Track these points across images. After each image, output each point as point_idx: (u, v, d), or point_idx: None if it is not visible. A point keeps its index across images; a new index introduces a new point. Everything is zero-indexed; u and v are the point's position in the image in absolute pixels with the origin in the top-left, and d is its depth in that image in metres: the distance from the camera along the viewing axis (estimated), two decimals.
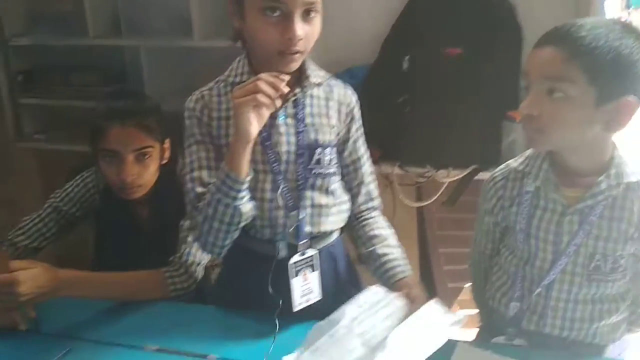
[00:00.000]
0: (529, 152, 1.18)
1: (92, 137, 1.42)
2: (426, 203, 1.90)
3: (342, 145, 1.24)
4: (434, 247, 2.22)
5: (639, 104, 0.99)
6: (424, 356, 0.99)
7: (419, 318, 1.04)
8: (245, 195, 1.10)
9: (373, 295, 1.09)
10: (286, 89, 1.05)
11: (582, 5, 1.75)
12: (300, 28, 1.04)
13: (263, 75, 1.03)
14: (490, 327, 1.23)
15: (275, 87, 1.03)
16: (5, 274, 1.12)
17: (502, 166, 1.21)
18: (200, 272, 1.42)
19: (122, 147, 1.38)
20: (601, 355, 1.14)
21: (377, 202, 1.30)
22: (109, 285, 1.29)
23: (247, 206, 1.12)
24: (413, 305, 1.07)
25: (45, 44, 2.15)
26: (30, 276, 1.13)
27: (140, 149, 1.40)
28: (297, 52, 1.08)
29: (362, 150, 1.27)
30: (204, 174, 1.16)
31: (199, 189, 1.15)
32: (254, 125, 1.04)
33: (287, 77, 1.06)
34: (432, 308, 1.06)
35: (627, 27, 0.99)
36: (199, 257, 1.42)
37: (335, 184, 1.23)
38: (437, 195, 1.83)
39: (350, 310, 1.05)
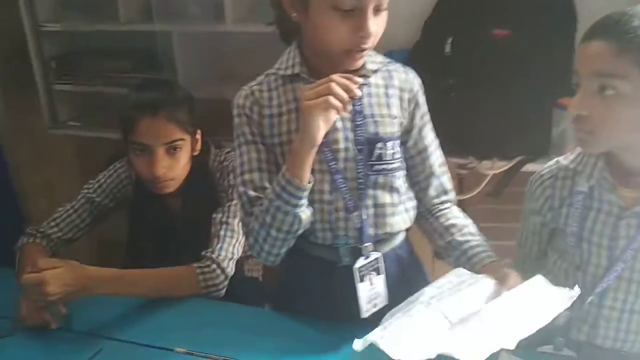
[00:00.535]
0: (580, 148, 1.11)
1: (123, 129, 1.42)
2: (468, 196, 1.83)
3: (406, 135, 1.17)
4: None
5: None
6: (534, 329, 0.93)
7: (522, 291, 0.97)
8: (305, 202, 1.07)
9: (456, 277, 1.04)
10: (359, 93, 1.00)
11: None
12: (373, 24, 1.00)
13: (336, 77, 0.98)
14: (536, 334, 1.18)
15: (348, 91, 0.98)
16: (34, 272, 1.14)
17: (550, 163, 1.15)
18: (232, 268, 1.41)
19: (152, 140, 1.38)
20: None
21: (451, 196, 1.23)
22: (138, 282, 1.29)
23: (306, 213, 1.08)
24: (507, 285, 1.00)
25: (77, 29, 2.16)
26: (57, 275, 1.14)
27: (170, 142, 1.39)
28: (364, 50, 1.04)
29: (429, 138, 1.20)
30: (256, 176, 1.12)
31: (251, 193, 1.12)
32: (322, 130, 1.00)
33: (360, 80, 1.02)
34: (539, 282, 1.00)
35: None
36: (230, 252, 1.41)
37: (400, 179, 1.16)
38: (480, 187, 1.76)
39: (430, 290, 1.01)
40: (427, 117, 1.21)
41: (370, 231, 1.14)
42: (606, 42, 0.91)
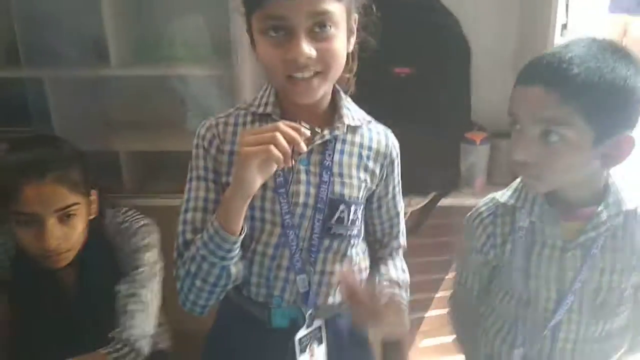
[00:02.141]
0: (515, 184, 1.13)
1: (2, 198, 1.20)
2: None
3: (377, 201, 1.13)
4: None
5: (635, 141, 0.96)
6: None
7: None
8: (235, 255, 0.97)
9: None
10: (304, 148, 0.90)
11: (526, 13, 1.76)
12: (306, 46, 0.90)
13: (282, 126, 0.89)
14: None
15: (292, 142, 0.89)
16: None
17: (486, 200, 1.16)
18: (148, 348, 1.25)
19: (41, 208, 1.19)
20: None
21: (403, 243, 1.19)
22: None
23: (238, 266, 0.99)
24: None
25: None
26: None
27: (64, 208, 1.21)
28: (309, 76, 0.93)
29: (400, 205, 1.17)
30: (198, 216, 1.02)
31: (189, 235, 1.01)
32: (259, 181, 0.92)
33: (308, 133, 0.91)
34: None
35: (615, 52, 0.94)
36: (144, 329, 1.25)
37: (354, 248, 1.09)
38: None
39: None
40: (400, 185, 1.16)
41: (311, 299, 1.06)
42: (548, 89, 0.92)
